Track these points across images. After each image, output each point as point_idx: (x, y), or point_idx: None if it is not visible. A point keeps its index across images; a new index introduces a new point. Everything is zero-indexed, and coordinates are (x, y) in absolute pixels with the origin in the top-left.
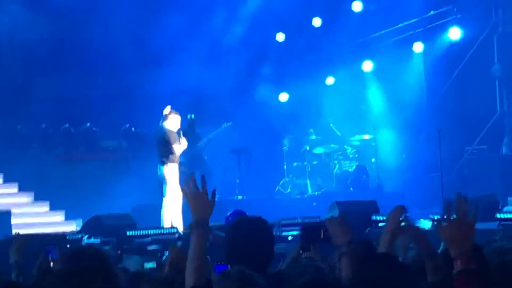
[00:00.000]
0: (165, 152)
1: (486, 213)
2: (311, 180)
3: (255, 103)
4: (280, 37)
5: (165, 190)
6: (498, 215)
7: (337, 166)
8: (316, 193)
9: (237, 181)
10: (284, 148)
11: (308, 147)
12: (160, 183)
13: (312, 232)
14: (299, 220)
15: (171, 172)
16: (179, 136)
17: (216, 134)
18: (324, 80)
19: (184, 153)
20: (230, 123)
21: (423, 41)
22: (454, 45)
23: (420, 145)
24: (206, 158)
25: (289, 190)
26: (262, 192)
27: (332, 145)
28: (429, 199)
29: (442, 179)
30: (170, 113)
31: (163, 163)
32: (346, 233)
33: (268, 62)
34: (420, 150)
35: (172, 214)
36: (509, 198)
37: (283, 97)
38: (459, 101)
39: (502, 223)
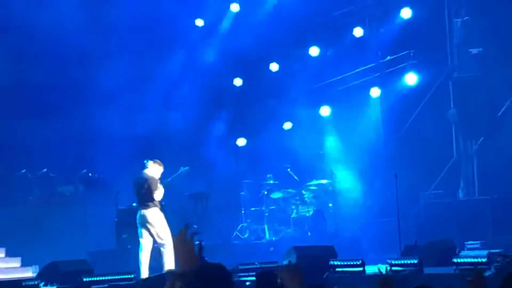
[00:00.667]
0: (148, 197)
1: (443, 257)
2: (269, 225)
3: (212, 148)
4: (238, 82)
5: (141, 233)
6: (455, 260)
7: (294, 211)
8: (274, 238)
9: (195, 226)
10: (242, 193)
11: (266, 192)
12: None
13: (266, 279)
14: (257, 265)
15: (154, 215)
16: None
17: (174, 179)
18: (282, 125)
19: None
20: (188, 167)
21: (380, 86)
22: (410, 90)
23: (377, 190)
24: (163, 203)
25: (247, 235)
26: (220, 237)
27: (290, 190)
28: (387, 244)
29: (399, 223)
30: (154, 162)
31: (147, 207)
32: (298, 283)
33: (226, 107)
34: (377, 195)
35: (165, 255)
36: (465, 242)
37: (241, 142)
38: (416, 145)
39: (459, 267)
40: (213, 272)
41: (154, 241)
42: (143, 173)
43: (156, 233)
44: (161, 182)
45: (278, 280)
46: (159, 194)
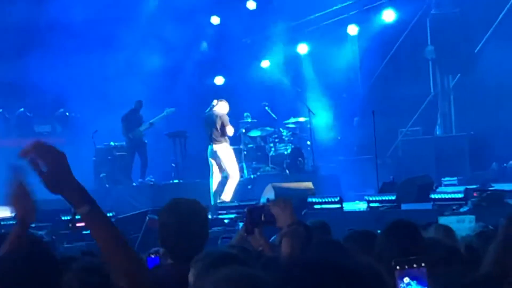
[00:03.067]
0: (220, 133)
1: (420, 193)
2: (247, 163)
3: (190, 87)
4: (215, 20)
5: (211, 166)
6: (432, 196)
7: (272, 149)
8: (252, 176)
9: (173, 165)
10: None
11: (244, 130)
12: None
13: (256, 215)
14: (235, 203)
15: (224, 150)
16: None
17: (159, 119)
18: (260, 63)
19: (128, 136)
20: (173, 109)
21: (358, 23)
22: (388, 27)
23: (355, 128)
24: (146, 141)
25: (225, 173)
26: (199, 176)
27: (268, 128)
28: (364, 181)
29: (377, 161)
30: (221, 101)
31: (218, 142)
32: (290, 215)
33: (203, 46)
34: (355, 133)
35: (228, 185)
36: (443, 179)
37: (219, 80)
38: (393, 83)
39: (436, 203)
40: (186, 207)
41: (223, 173)
42: (213, 111)
43: (225, 166)
44: (146, 122)
45: (263, 217)
46: (230, 130)
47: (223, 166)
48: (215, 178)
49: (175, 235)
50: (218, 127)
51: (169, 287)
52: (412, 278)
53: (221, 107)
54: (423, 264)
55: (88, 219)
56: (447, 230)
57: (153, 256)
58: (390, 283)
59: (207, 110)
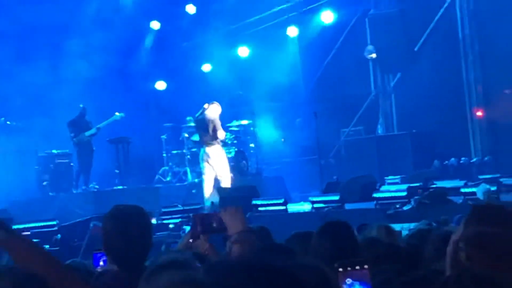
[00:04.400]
0: (212, 136)
1: (364, 193)
2: (191, 167)
3: (132, 92)
4: (155, 25)
5: (203, 168)
6: (375, 195)
7: None
8: (196, 180)
9: (117, 171)
10: (163, 136)
11: (186, 135)
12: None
13: (207, 223)
14: (180, 208)
15: (217, 152)
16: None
17: (106, 124)
18: (201, 67)
19: (73, 143)
20: (122, 114)
21: (297, 25)
22: (327, 28)
23: (298, 129)
24: (94, 148)
25: (169, 178)
26: (142, 181)
27: None
28: (308, 182)
29: (320, 161)
30: (213, 104)
31: (210, 145)
32: (241, 223)
33: (144, 51)
34: (298, 134)
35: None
36: (386, 178)
37: (161, 85)
38: (335, 83)
39: (379, 202)
40: (129, 213)
41: (215, 176)
42: (204, 114)
43: (217, 168)
44: (94, 127)
45: (214, 224)
46: (221, 133)
47: (214, 168)
48: (208, 180)
49: (118, 241)
50: (210, 130)
51: None
52: (355, 279)
53: (212, 111)
54: (366, 266)
55: (4, 246)
56: (388, 229)
57: (99, 253)
58: (335, 282)
59: (197, 114)
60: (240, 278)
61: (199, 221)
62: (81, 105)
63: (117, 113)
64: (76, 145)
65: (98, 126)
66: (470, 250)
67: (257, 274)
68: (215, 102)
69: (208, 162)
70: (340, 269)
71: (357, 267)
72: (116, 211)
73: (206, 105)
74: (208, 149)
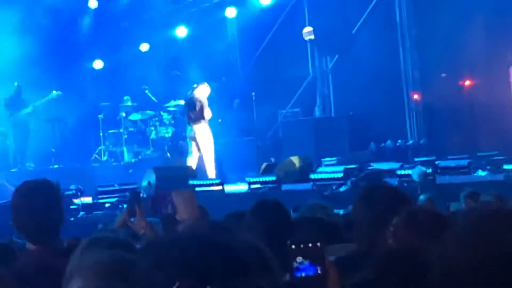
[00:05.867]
0: (199, 116)
1: (301, 174)
2: (128, 147)
3: (69, 71)
4: (93, 4)
5: (190, 147)
6: (312, 176)
7: (153, 132)
8: (133, 160)
9: (53, 150)
10: (100, 116)
11: (124, 114)
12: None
13: (159, 204)
14: (116, 187)
15: (203, 130)
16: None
17: (44, 103)
18: (139, 47)
19: (6, 120)
20: (60, 92)
21: (236, 6)
22: (266, 10)
23: (235, 110)
24: (31, 127)
25: (105, 157)
26: (79, 161)
27: (148, 111)
28: (245, 163)
29: (257, 142)
30: (202, 84)
31: (197, 123)
32: (193, 207)
33: (81, 29)
34: (235, 115)
35: (206, 164)
36: (322, 159)
37: (98, 64)
38: (273, 65)
39: (316, 183)
40: (36, 188)
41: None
42: (193, 94)
43: (202, 146)
44: (30, 105)
45: (166, 207)
46: (208, 113)
47: (199, 146)
48: (193, 157)
49: (25, 217)
50: (197, 109)
51: (34, 274)
52: (305, 257)
53: (201, 90)
54: (318, 244)
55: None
56: (323, 208)
57: None
58: (271, 258)
59: (188, 93)
60: (179, 255)
61: (152, 203)
62: (15, 83)
63: (54, 91)
64: (12, 124)
65: (34, 104)
66: (397, 230)
67: (198, 249)
68: (204, 82)
69: (194, 141)
70: (293, 246)
71: (310, 245)
72: (23, 187)
73: (195, 85)
74: (195, 127)
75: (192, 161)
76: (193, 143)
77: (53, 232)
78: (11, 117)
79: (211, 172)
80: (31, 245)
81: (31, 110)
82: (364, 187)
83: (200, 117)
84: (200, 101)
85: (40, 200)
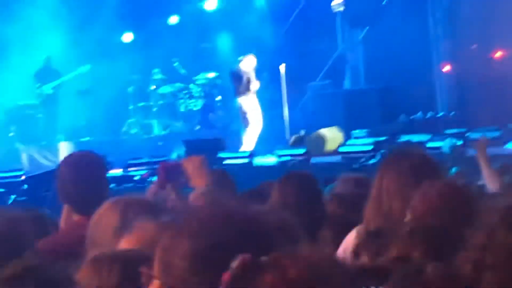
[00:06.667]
0: (246, 87)
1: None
2: (158, 120)
3: (98, 44)
4: None
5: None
6: (341, 149)
7: (183, 105)
8: (163, 132)
9: (83, 123)
10: (129, 89)
11: (153, 87)
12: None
13: (173, 174)
14: (146, 160)
15: (251, 102)
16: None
17: (73, 76)
18: (168, 20)
19: (38, 94)
20: (88, 66)
21: None
22: None
23: (265, 82)
24: (60, 99)
25: (135, 130)
26: (109, 134)
27: (178, 84)
28: (274, 135)
29: (288, 114)
30: (246, 56)
31: (245, 95)
32: (204, 176)
33: (111, 2)
34: (262, 86)
35: (249, 136)
36: (352, 132)
37: (127, 37)
38: (302, 36)
39: (345, 156)
40: (82, 160)
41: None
42: (239, 66)
43: (248, 116)
44: (59, 78)
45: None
46: (255, 85)
47: (248, 117)
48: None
49: (71, 188)
50: (244, 81)
51: (79, 244)
52: None
53: (247, 63)
54: None
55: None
56: (359, 180)
57: None
58: (297, 230)
59: (236, 66)
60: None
61: (164, 171)
62: (45, 55)
63: (82, 66)
64: (41, 96)
65: (63, 78)
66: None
67: (231, 222)
68: (251, 54)
69: (243, 112)
70: None
71: None
72: (70, 158)
73: (240, 57)
74: (240, 99)
75: (245, 135)
76: (242, 116)
77: (99, 204)
78: (40, 89)
79: (251, 145)
80: (76, 215)
81: (60, 83)
82: (390, 153)
83: (247, 89)
84: (246, 73)
85: (87, 172)
